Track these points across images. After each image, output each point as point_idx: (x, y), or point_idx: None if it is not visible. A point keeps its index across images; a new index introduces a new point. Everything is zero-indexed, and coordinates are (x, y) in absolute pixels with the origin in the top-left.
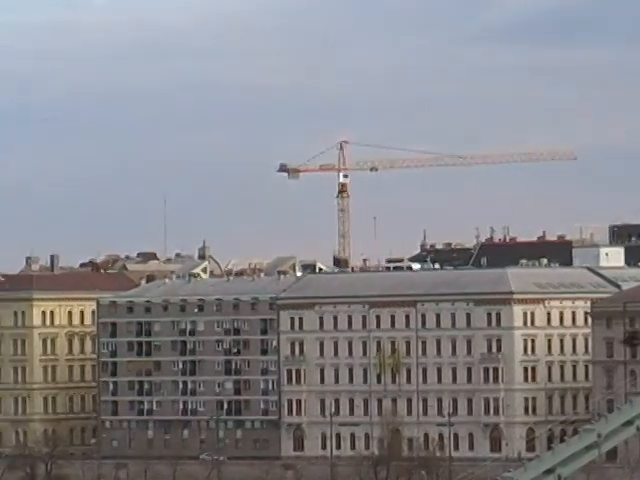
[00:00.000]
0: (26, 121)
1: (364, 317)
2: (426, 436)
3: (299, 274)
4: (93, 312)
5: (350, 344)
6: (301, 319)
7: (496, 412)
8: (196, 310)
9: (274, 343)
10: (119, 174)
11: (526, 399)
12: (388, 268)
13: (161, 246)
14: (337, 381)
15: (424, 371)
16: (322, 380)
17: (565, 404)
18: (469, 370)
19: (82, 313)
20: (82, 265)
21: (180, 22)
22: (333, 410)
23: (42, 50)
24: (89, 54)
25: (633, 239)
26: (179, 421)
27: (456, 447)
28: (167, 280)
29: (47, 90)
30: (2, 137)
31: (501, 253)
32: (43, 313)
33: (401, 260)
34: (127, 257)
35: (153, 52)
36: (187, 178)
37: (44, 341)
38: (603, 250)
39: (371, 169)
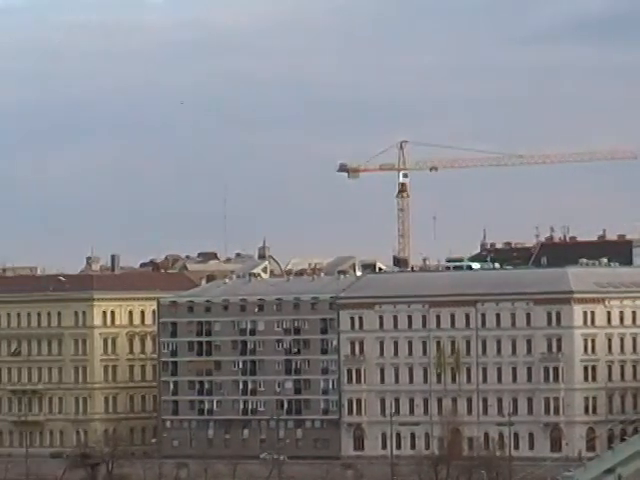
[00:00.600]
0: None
1: (424, 317)
2: (486, 436)
3: (359, 274)
4: (154, 312)
5: (410, 344)
6: (361, 319)
7: (556, 412)
8: (256, 310)
9: (334, 343)
10: (180, 174)
11: (586, 398)
12: (448, 268)
13: (221, 246)
14: (397, 381)
15: (484, 371)
16: (382, 380)
17: (625, 403)
18: (529, 370)
19: (142, 313)
20: (142, 265)
21: (241, 21)
22: (393, 410)
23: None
24: (150, 53)
25: None
26: (239, 421)
27: (516, 447)
28: (227, 280)
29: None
30: (69, 134)
31: (561, 252)
32: (104, 313)
33: (461, 260)
34: (187, 257)
35: (212, 51)
36: (248, 178)
37: (105, 341)
38: None
39: (431, 169)
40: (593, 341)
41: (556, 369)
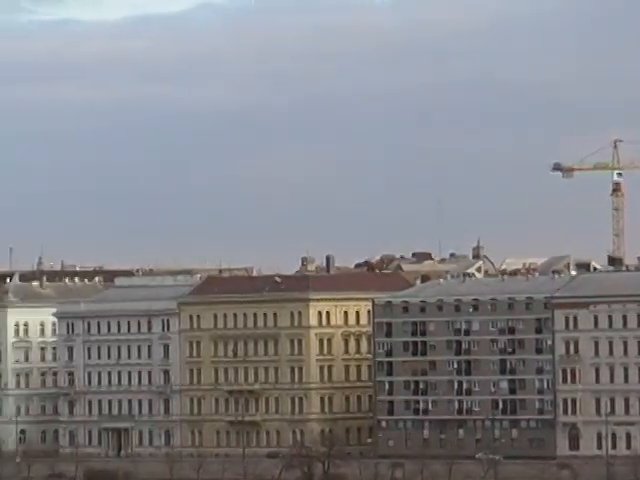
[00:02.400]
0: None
1: (639, 316)
2: None
3: (573, 273)
4: (368, 312)
5: (625, 343)
6: (575, 318)
7: None
8: (471, 310)
9: (549, 342)
10: (393, 174)
11: None
12: None
13: (436, 246)
14: (612, 380)
15: None
16: (597, 379)
17: None
18: None
19: (357, 313)
20: (357, 265)
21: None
22: (608, 409)
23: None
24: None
25: None
26: (454, 420)
27: None
28: (442, 280)
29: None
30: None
31: None
32: (319, 313)
33: None
34: (402, 257)
35: (423, 52)
36: (462, 178)
37: (320, 341)
38: None
39: None
40: None
41: None
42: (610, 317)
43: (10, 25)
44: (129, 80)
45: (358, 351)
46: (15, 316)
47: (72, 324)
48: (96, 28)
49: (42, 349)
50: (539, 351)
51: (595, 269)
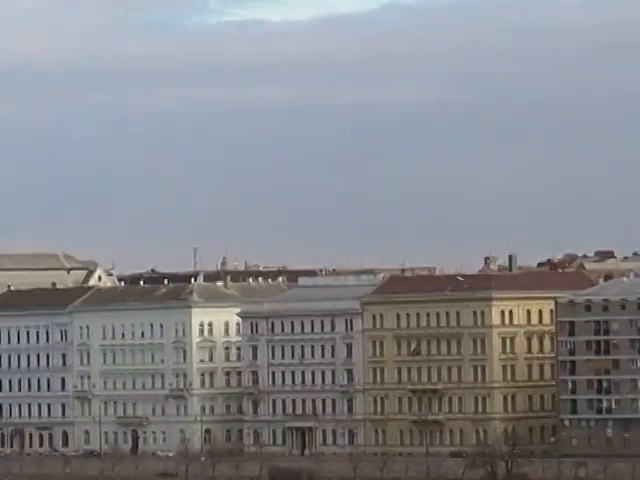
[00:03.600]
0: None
1: None
2: None
3: None
4: (551, 311)
5: None
6: None
7: None
8: None
9: None
10: (576, 175)
11: None
12: None
13: (619, 244)
14: None
15: None
16: None
17: None
18: None
19: (540, 312)
20: (540, 264)
21: None
22: None
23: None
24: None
25: None
26: (638, 420)
27: None
28: (625, 278)
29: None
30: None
31: None
32: (502, 312)
33: None
34: (585, 256)
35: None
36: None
37: (503, 340)
38: None
39: None
40: None
41: None
42: None
43: (199, 27)
44: (315, 81)
45: (541, 350)
46: (199, 316)
47: (256, 324)
48: (284, 29)
49: (226, 349)
50: None
51: None
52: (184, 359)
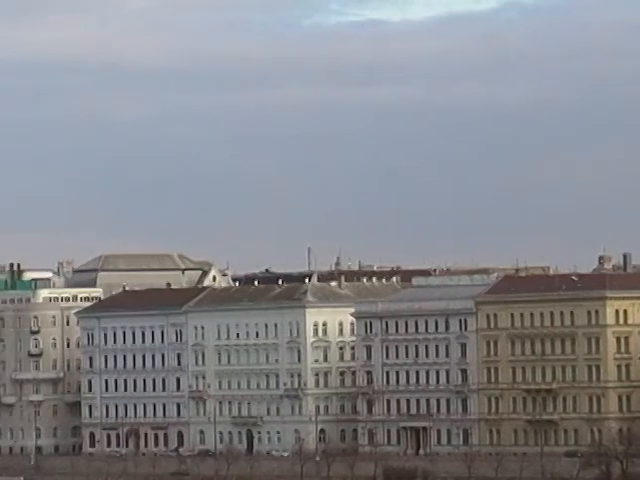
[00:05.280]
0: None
1: None
2: None
3: None
4: None
5: None
6: None
7: None
8: None
9: None
10: None
11: None
12: None
13: None
14: None
15: None
16: None
17: None
18: None
19: None
20: None
21: None
22: None
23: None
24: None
25: None
26: None
27: None
28: None
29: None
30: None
31: None
32: (616, 312)
33: None
34: None
35: None
36: None
37: (618, 339)
38: None
39: None
40: None
41: None
42: None
43: (319, 27)
44: (436, 79)
45: None
46: (314, 316)
47: (370, 324)
48: (402, 28)
49: (341, 349)
50: None
51: None
52: (298, 359)
